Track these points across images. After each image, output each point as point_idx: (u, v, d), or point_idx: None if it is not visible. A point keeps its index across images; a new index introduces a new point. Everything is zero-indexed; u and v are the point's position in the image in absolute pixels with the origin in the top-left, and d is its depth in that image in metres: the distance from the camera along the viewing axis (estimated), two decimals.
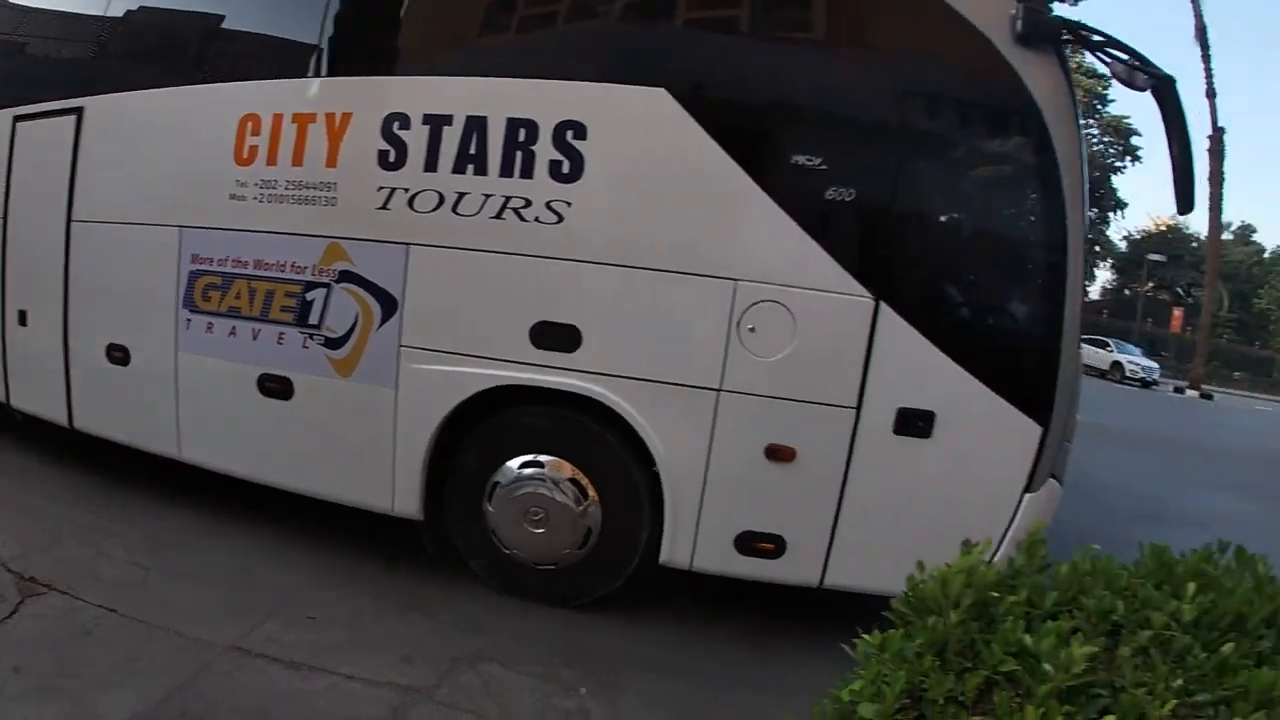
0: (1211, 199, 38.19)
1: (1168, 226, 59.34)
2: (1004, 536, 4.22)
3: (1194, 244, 55.39)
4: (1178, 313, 53.93)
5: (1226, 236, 62.86)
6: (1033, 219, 4.63)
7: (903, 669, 1.82)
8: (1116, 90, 61.26)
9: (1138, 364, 35.48)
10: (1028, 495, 4.30)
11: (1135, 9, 59.92)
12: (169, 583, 4.65)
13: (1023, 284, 4.73)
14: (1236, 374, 54.42)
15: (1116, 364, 35.22)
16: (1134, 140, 49.29)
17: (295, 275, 4.96)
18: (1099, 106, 48.23)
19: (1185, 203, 4.61)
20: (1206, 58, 37.84)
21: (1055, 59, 4.24)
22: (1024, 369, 4.42)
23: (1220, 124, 38.17)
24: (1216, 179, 37.98)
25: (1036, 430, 4.25)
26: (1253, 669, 1.71)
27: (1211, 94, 37.54)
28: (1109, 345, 36.58)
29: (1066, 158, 4.18)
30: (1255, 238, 67.96)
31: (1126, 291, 56.74)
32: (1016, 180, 4.76)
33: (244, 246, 5.10)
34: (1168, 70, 4.32)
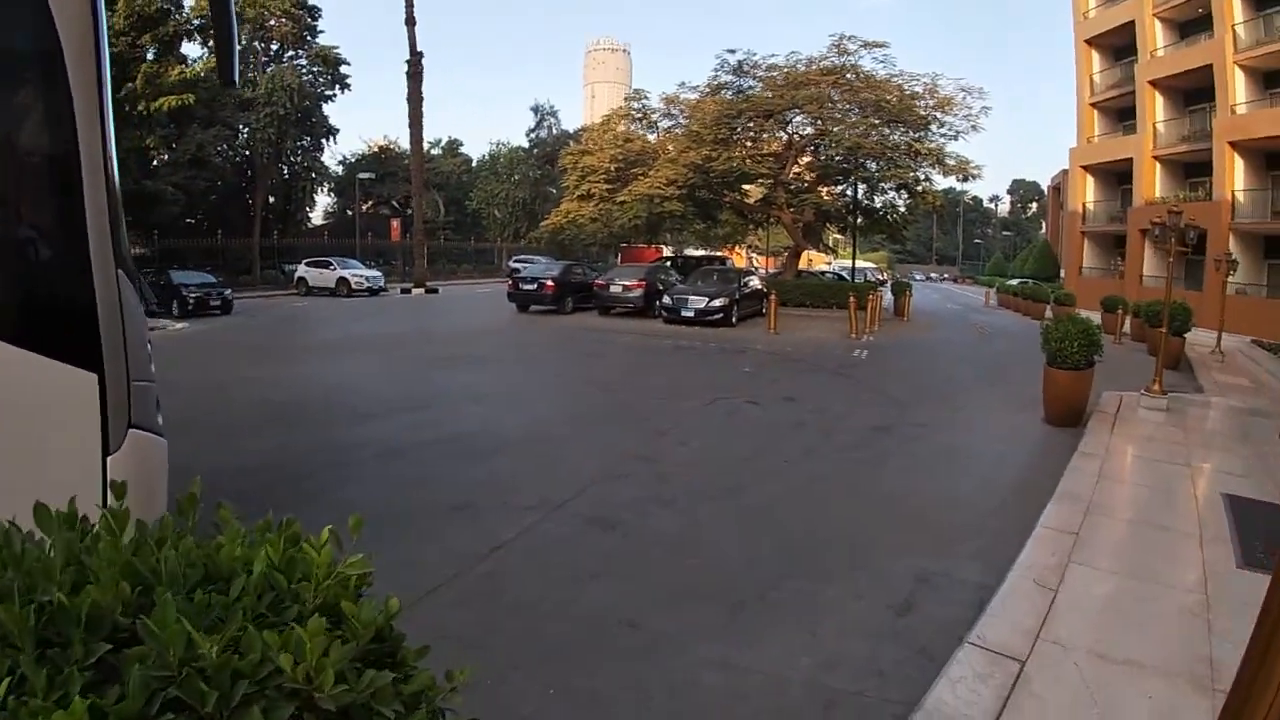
0: (412, 116, 45.31)
1: (380, 147, 67.47)
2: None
3: (405, 160, 61.03)
4: (395, 223, 61.03)
5: (437, 151, 71.80)
6: (27, 127, 3.60)
7: None
8: (326, 21, 63.27)
9: (361, 276, 40.34)
10: (111, 458, 3.69)
11: None
12: None
13: (17, 208, 3.62)
14: (463, 267, 65.00)
15: (342, 280, 39.69)
16: (343, 69, 52.08)
17: None
18: (308, 37, 50.86)
19: (225, 75, 4.48)
20: None
21: None
22: (45, 309, 3.62)
23: (420, 49, 45.20)
24: (416, 99, 44.94)
25: (92, 379, 3.58)
26: None
27: (411, 22, 44.63)
28: (331, 264, 41.10)
29: (76, 44, 3.41)
30: (463, 149, 78.94)
31: (348, 212, 62.26)
32: None
33: None
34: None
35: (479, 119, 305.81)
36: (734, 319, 25.91)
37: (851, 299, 25.14)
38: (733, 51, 33.01)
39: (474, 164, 76.42)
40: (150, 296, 22.94)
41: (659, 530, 7.10)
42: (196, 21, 27.71)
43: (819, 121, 32.49)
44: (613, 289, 28.17)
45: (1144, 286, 38.75)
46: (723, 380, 15.73)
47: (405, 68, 45.16)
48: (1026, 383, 15.38)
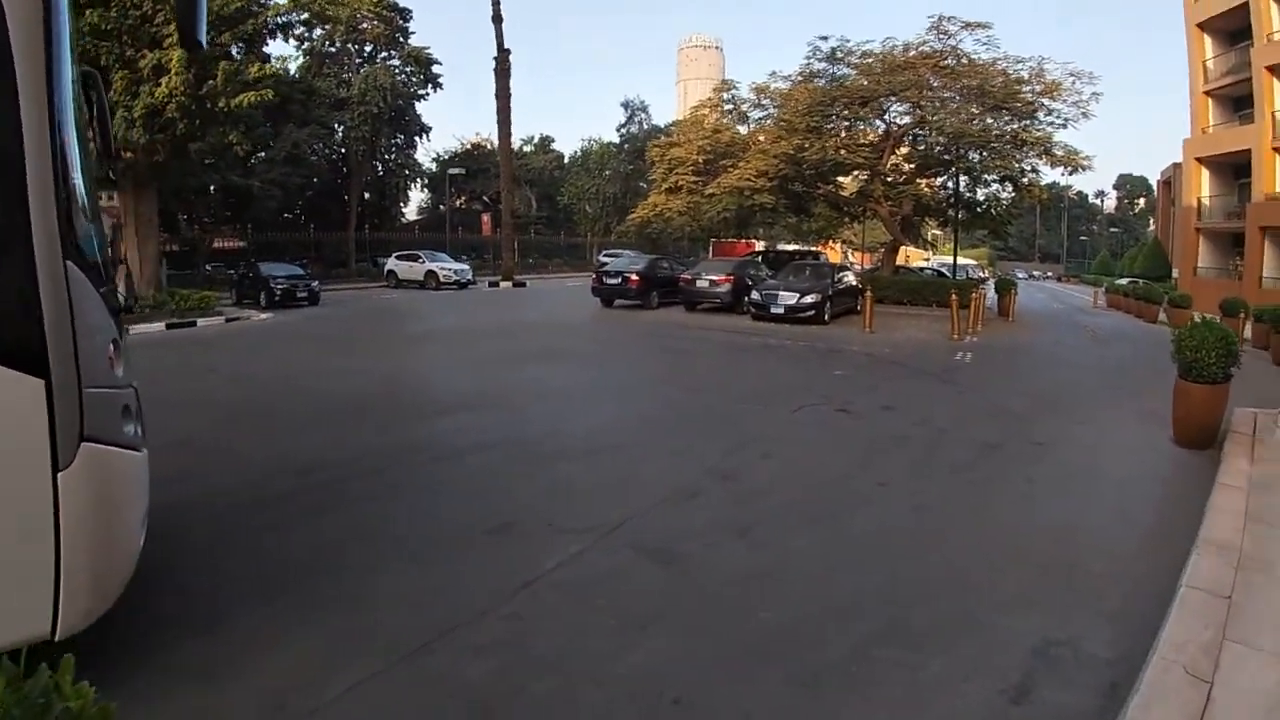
0: (500, 113, 44.85)
1: (473, 144, 67.98)
2: (58, 537, 3.43)
3: (497, 157, 60.21)
4: (486, 218, 61.65)
5: (529, 148, 71.93)
6: None
7: None
8: (417, 22, 63.67)
9: (449, 269, 40.65)
10: (62, 474, 3.42)
11: None
12: None
13: None
14: (554, 261, 65.14)
15: (430, 273, 40.21)
16: (435, 69, 53.41)
17: None
18: (400, 38, 52.32)
19: (187, 39, 4.33)
20: None
21: None
22: None
23: (507, 46, 44.69)
24: (504, 96, 44.51)
25: (39, 386, 3.34)
26: None
27: (498, 19, 44.17)
28: (420, 257, 41.56)
29: (23, 37, 3.31)
30: (554, 146, 79.18)
31: (441, 207, 63.13)
32: None
33: None
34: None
35: (572, 116, 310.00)
36: (827, 316, 24.47)
37: (953, 297, 23.33)
38: (825, 38, 31.33)
39: (565, 160, 76.65)
40: (134, 294, 22.82)
41: (727, 568, 5.89)
42: (280, 19, 26.99)
43: (918, 109, 30.56)
44: (699, 284, 26.91)
45: (1264, 289, 36.21)
46: (813, 384, 14.39)
47: (494, 65, 44.72)
48: (1148, 394, 13.98)
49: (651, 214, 35.09)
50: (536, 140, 77.56)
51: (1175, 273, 51.92)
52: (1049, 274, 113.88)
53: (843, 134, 31.62)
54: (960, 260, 43.51)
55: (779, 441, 9.84)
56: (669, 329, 22.30)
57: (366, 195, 54.81)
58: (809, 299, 24.01)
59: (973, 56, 30.27)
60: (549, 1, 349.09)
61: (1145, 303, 36.82)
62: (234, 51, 24.28)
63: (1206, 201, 45.22)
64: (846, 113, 30.24)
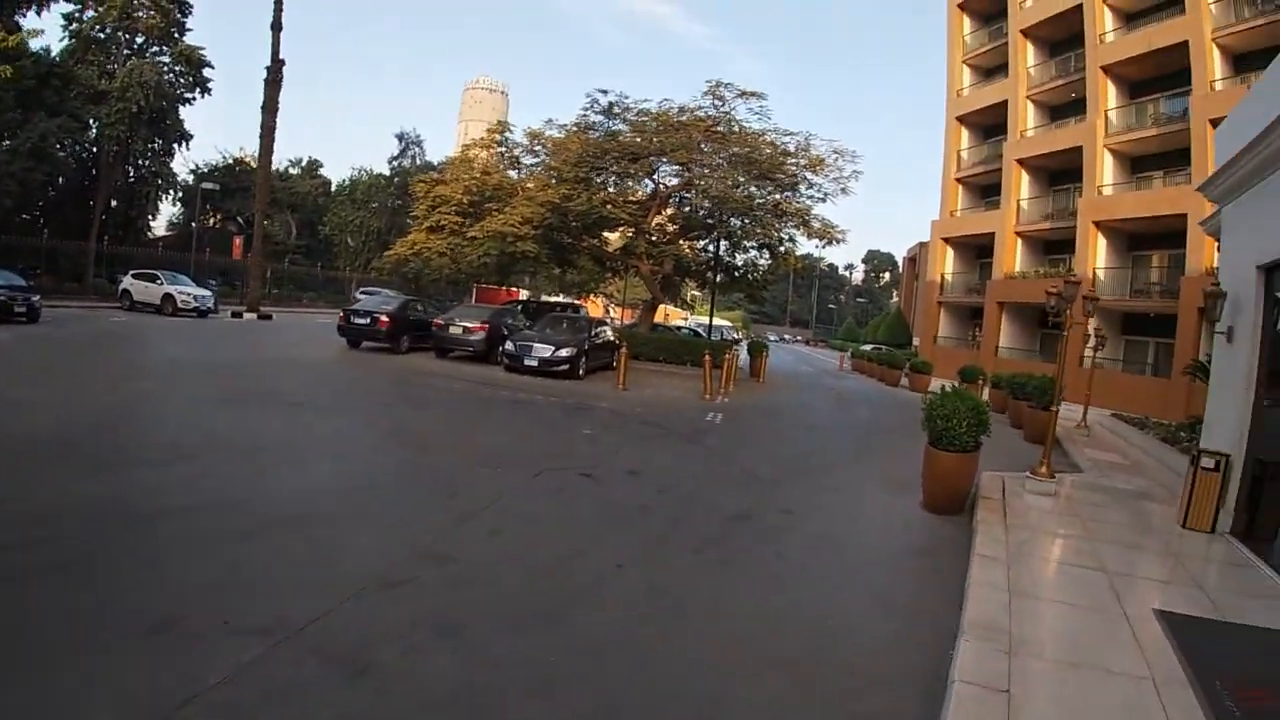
0: (265, 126, 41.81)
1: (235, 159, 63.28)
2: None
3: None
4: (238, 241, 57.47)
5: (295, 170, 68.49)
6: None
7: None
8: (196, 19, 60.16)
9: (189, 294, 36.63)
10: None
11: None
12: None
13: None
14: (308, 294, 61.42)
15: (168, 296, 36.01)
16: (206, 72, 49.33)
17: None
18: (175, 34, 48.12)
19: None
20: None
21: None
22: None
23: (282, 56, 41.47)
24: (272, 109, 41.59)
25: None
26: None
27: (277, 27, 40.85)
28: (159, 278, 37.14)
29: None
30: (323, 171, 75.45)
31: (192, 225, 57.51)
32: None
33: None
34: None
35: (345, 143, 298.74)
36: (581, 371, 23.89)
37: (706, 357, 23.53)
38: (605, 92, 31.29)
39: (333, 188, 73.14)
40: None
41: (429, 683, 4.90)
42: None
43: (687, 171, 30.87)
44: (452, 330, 25.48)
45: (1000, 358, 40.50)
46: (559, 444, 13.65)
47: (266, 74, 42.02)
48: (896, 458, 14.45)
49: (410, 252, 33.22)
50: (305, 163, 73.85)
51: (916, 341, 55.74)
52: (799, 338, 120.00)
53: (611, 189, 31.43)
54: (716, 321, 44.43)
55: (512, 514, 8.88)
56: (416, 377, 20.83)
57: (114, 203, 49.48)
58: (564, 352, 23.30)
59: (745, 125, 31.03)
60: (334, 20, 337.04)
61: (888, 368, 39.19)
62: None
63: (950, 277, 49.34)
64: (616, 167, 29.86)
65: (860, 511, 11.00)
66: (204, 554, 6.65)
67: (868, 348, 54.95)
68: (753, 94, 30.63)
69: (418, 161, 70.65)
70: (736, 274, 36.60)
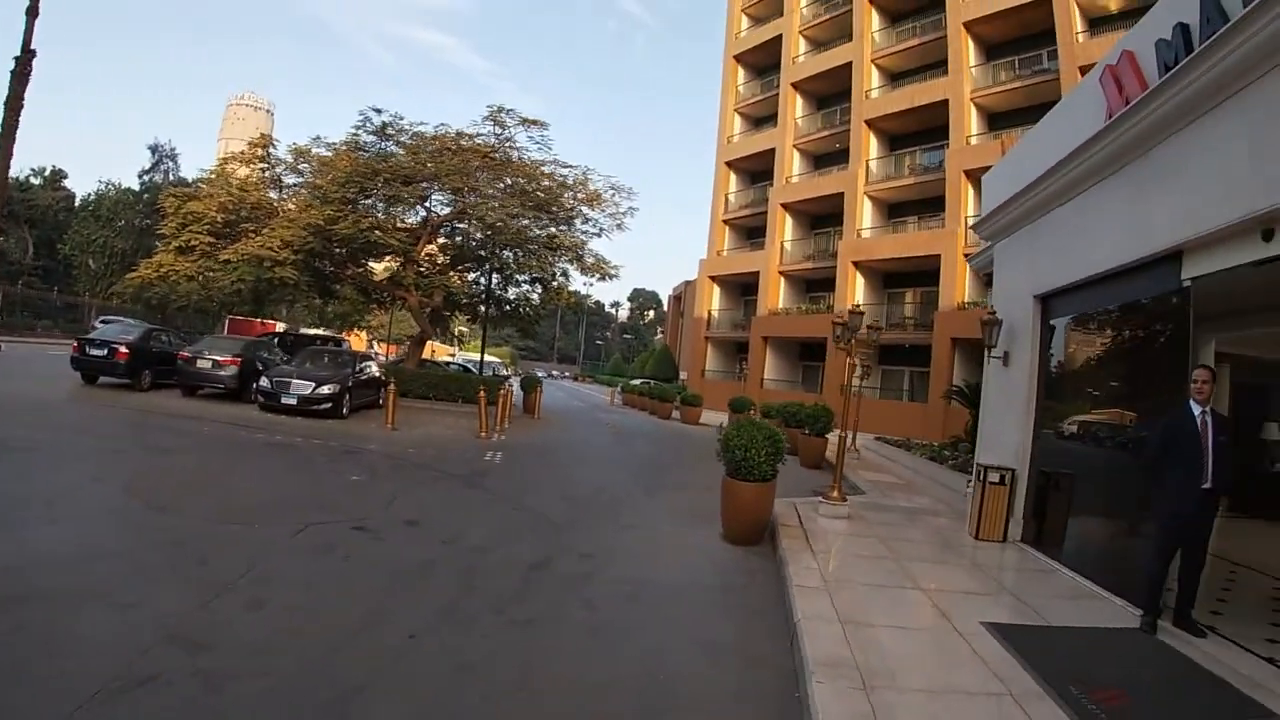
0: (6, 125, 37.14)
1: None
2: None
3: None
4: None
5: (36, 181, 62.20)
6: None
7: None
8: None
9: None
10: None
11: None
12: None
13: None
14: (43, 323, 54.79)
15: None
16: None
17: None
18: None
19: None
20: None
21: None
22: None
23: (34, 48, 36.97)
24: (16, 105, 36.88)
25: None
26: None
27: (33, 13, 36.24)
28: None
29: None
30: (66, 183, 68.64)
31: None
32: None
33: None
34: None
35: (93, 154, 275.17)
36: (345, 410, 22.06)
37: (481, 394, 22.38)
38: (379, 110, 29.19)
39: (77, 202, 66.51)
40: None
41: None
42: None
43: (461, 199, 29.46)
44: (200, 364, 22.71)
45: (765, 389, 42.90)
46: (325, 493, 12.09)
47: (13, 65, 37.70)
48: (685, 490, 14.47)
49: (155, 275, 29.04)
50: (48, 173, 67.00)
51: (684, 375, 57.08)
52: (566, 374, 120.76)
53: (380, 214, 29.52)
54: (486, 358, 43.37)
55: (274, 580, 7.53)
56: (158, 418, 18.33)
57: None
58: (325, 389, 21.39)
59: (524, 154, 30.11)
60: (90, 19, 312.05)
61: (660, 401, 39.48)
62: None
63: (716, 314, 50.84)
64: (387, 190, 27.83)
65: (661, 549, 10.40)
66: None
67: (637, 382, 55.39)
68: (534, 122, 29.68)
69: (171, 177, 65.15)
70: (508, 307, 35.55)
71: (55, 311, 57.76)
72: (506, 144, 29.73)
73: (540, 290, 34.72)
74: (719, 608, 8.03)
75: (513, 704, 5.39)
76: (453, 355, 60.49)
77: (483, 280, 34.69)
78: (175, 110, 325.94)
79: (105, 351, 22.60)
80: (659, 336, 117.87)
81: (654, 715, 5.33)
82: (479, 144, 28.99)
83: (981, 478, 11.74)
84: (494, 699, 5.42)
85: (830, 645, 6.36)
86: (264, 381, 21.64)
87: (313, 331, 46.36)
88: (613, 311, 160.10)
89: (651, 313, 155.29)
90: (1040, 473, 11.50)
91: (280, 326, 50.85)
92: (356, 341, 56.21)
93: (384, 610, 7.00)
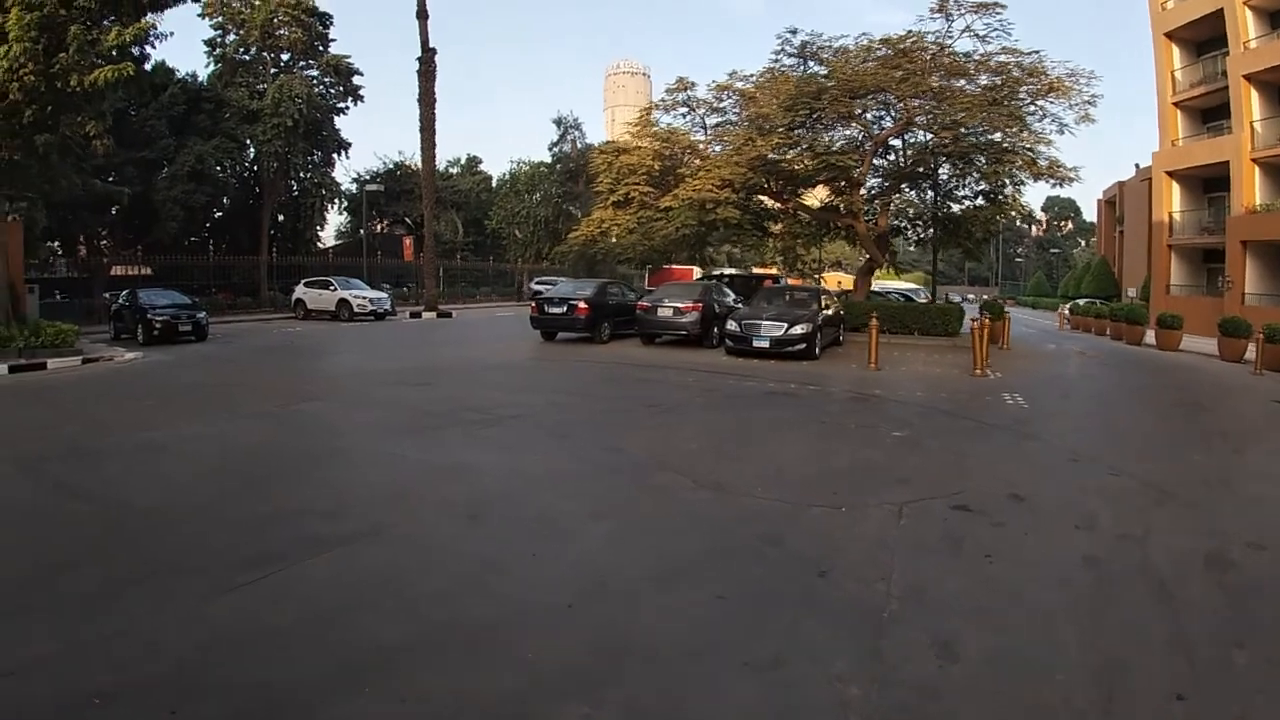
0: (424, 119, 39.55)
1: (395, 164, 61.81)
2: None
3: (420, 178, 56.41)
4: (408, 242, 56.54)
5: (455, 169, 66.73)
6: None
7: None
8: (338, 29, 59.48)
9: (364, 298, 34.97)
10: None
11: None
12: None
13: None
14: (483, 289, 59.33)
15: (343, 302, 34.48)
16: (355, 80, 48.52)
17: None
18: (319, 46, 47.40)
19: None
20: None
21: None
22: None
23: (432, 45, 39.68)
24: (428, 100, 39.21)
25: None
26: None
27: (423, 15, 38.95)
28: (331, 285, 35.78)
29: None
30: (481, 168, 73.09)
31: (360, 232, 56.67)
32: None
33: None
34: None
35: (497, 138, 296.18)
36: (818, 350, 19.78)
37: (975, 325, 18.82)
38: (794, 32, 26.41)
39: (494, 182, 70.91)
40: None
41: None
42: None
43: (906, 110, 25.70)
44: (660, 312, 21.68)
45: (1246, 305, 33.37)
46: (876, 456, 9.50)
47: (417, 66, 39.56)
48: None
49: (596, 231, 29.20)
50: (463, 161, 71.90)
51: (1131, 291, 49.55)
52: (985, 297, 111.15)
53: (825, 137, 26.63)
54: (899, 285, 39.28)
55: (941, 603, 5.05)
56: (633, 370, 17.23)
57: (280, 217, 49.05)
58: (798, 329, 19.15)
59: (976, 49, 25.70)
60: (468, 21, 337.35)
61: (1127, 324, 32.87)
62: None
63: (1178, 216, 42.08)
64: (835, 109, 24.87)
65: None
66: None
67: (1082, 303, 48.83)
68: (989, 4, 24.91)
69: (578, 145, 67.14)
70: (956, 225, 30.45)
71: (489, 279, 62.12)
72: (950, 39, 25.49)
73: (986, 204, 29.80)
74: None
75: None
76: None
77: (919, 198, 30.74)
78: (553, 93, 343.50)
79: (564, 309, 22.32)
80: (1080, 249, 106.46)
81: None
82: (922, 44, 25.06)
83: None
84: None
85: None
86: (731, 325, 19.99)
87: (761, 272, 44.54)
88: (1025, 226, 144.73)
89: (1069, 223, 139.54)
90: None
91: (696, 272, 49.99)
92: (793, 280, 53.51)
93: (1123, 657, 4.24)
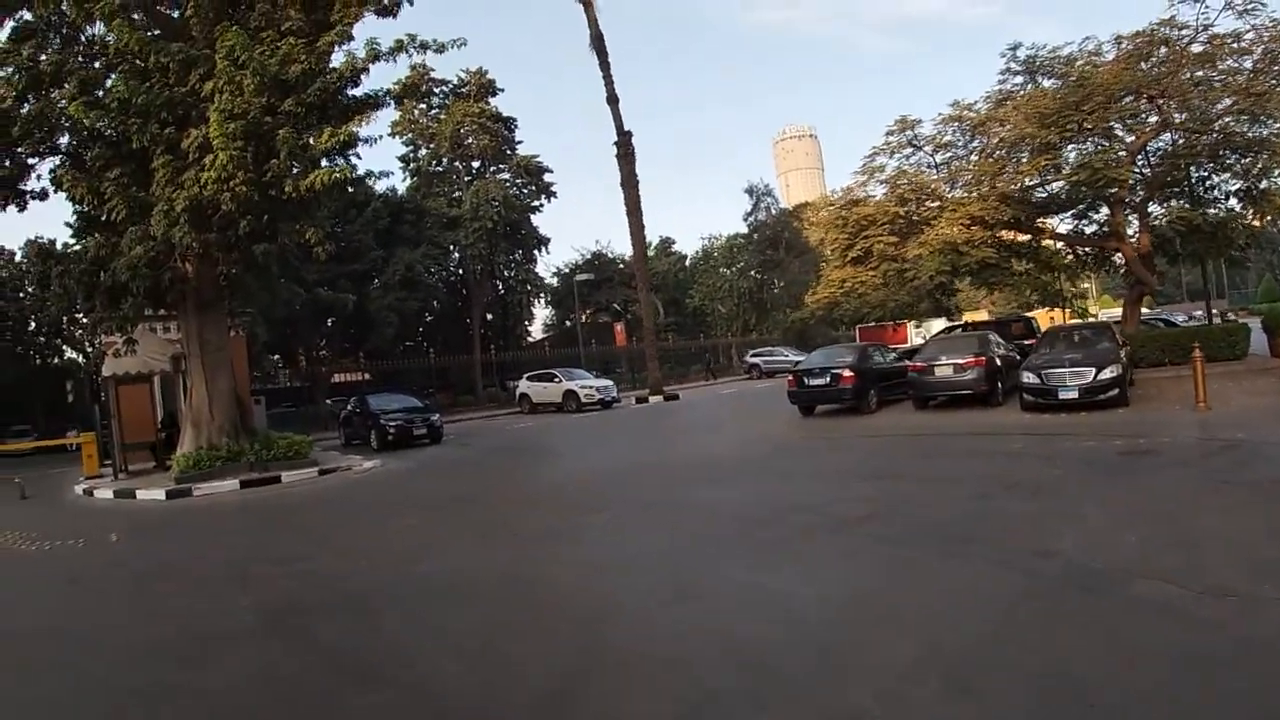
0: (629, 202, 37.93)
1: (594, 253, 61.62)
2: None
3: (620, 265, 58.17)
4: (619, 328, 56.01)
5: (650, 252, 66.39)
6: None
7: None
8: (524, 130, 60.40)
9: (591, 387, 33.77)
10: None
11: (527, 19, 59.65)
12: None
13: None
14: (693, 368, 57.62)
15: (569, 393, 33.30)
16: (546, 178, 49.74)
17: None
18: (507, 150, 48.79)
19: None
20: (605, 65, 37.82)
21: None
22: None
23: (628, 128, 38.34)
24: (631, 183, 37.76)
25: None
26: None
27: (614, 100, 37.86)
28: (556, 376, 34.90)
29: None
30: (675, 248, 73.33)
31: (567, 322, 57.93)
32: None
33: None
34: None
35: (679, 218, 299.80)
36: (1127, 396, 16.56)
37: None
38: (1015, 47, 23.35)
39: (687, 261, 70.58)
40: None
41: None
42: (357, 72, 18.12)
43: (1159, 110, 21.65)
44: (939, 371, 18.81)
45: None
46: None
47: (615, 150, 38.44)
48: None
49: (839, 292, 26.23)
50: (656, 244, 70.97)
51: None
52: (1214, 312, 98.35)
53: (1081, 151, 23.03)
54: (1108, 313, 33.95)
55: None
56: (939, 441, 14.71)
57: (489, 315, 50.29)
58: (1107, 374, 16.00)
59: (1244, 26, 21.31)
60: (637, 108, 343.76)
61: None
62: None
63: None
64: (1098, 117, 21.40)
65: None
66: None
67: None
68: None
69: (772, 212, 65.55)
70: (1212, 234, 23.81)
71: (697, 357, 60.23)
72: (1208, 14, 21.29)
73: (1242, 205, 24.53)
74: None
75: None
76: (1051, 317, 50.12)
77: (1180, 205, 25.58)
78: (731, 165, 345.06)
79: (827, 379, 20.11)
80: None
81: None
82: (1164, 35, 21.14)
83: None
84: None
85: None
86: (1028, 376, 16.98)
87: (1012, 315, 40.44)
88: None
89: None
90: None
91: (912, 327, 46.68)
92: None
93: None
